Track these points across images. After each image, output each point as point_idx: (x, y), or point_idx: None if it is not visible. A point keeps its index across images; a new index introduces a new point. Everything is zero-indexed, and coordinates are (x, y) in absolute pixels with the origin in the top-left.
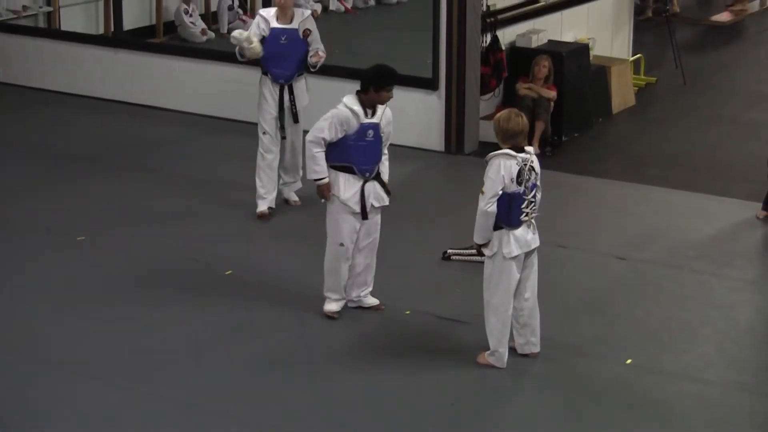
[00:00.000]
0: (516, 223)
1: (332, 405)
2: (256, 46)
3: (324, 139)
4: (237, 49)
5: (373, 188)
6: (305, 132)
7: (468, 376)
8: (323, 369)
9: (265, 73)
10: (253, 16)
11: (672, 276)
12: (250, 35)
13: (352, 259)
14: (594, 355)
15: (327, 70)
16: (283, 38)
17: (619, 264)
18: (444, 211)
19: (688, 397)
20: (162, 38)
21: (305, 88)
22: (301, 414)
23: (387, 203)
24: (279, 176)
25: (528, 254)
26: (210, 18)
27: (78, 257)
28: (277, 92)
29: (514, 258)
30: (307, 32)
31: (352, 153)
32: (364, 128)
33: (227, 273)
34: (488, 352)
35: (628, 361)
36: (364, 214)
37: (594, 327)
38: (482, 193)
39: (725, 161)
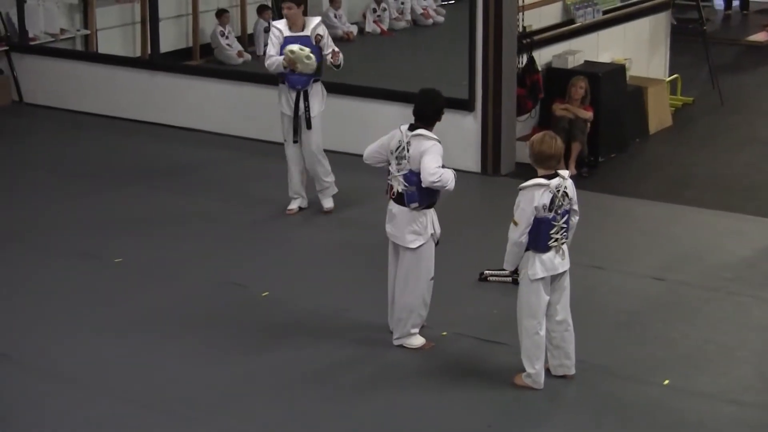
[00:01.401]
0: (543, 248)
1: (368, 427)
2: (313, 62)
3: None
4: (285, 60)
5: None
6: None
7: (504, 397)
8: (358, 391)
9: (282, 81)
10: None
11: (709, 297)
12: (309, 52)
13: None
14: (630, 377)
15: (362, 92)
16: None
17: (656, 285)
18: (481, 232)
19: (725, 419)
20: (198, 61)
21: (321, 94)
22: None
23: None
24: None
25: (557, 277)
26: (246, 40)
27: (115, 280)
28: (293, 99)
29: (540, 280)
30: (318, 38)
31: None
32: None
33: (264, 294)
34: (524, 373)
35: (666, 381)
36: (437, 241)
37: (630, 349)
38: (515, 223)
39: (762, 182)
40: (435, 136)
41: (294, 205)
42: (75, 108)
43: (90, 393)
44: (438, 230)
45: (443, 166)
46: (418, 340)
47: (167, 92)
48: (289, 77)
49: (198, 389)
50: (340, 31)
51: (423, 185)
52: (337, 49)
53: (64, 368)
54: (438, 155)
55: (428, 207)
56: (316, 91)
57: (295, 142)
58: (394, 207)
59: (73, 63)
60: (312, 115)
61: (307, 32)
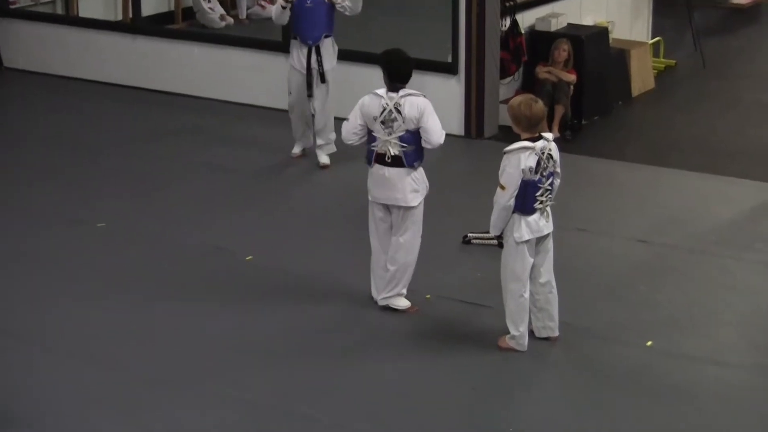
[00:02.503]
0: (530, 211)
1: (355, 390)
2: None
3: None
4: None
5: None
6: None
7: (489, 359)
8: (344, 356)
9: (294, 36)
10: (271, 2)
11: (693, 260)
12: None
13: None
14: (614, 339)
15: (346, 55)
16: (308, 2)
17: (640, 248)
18: (464, 195)
19: (709, 380)
20: (180, 24)
21: (333, 50)
22: (323, 400)
23: None
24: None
25: (541, 239)
26: (228, 4)
27: (100, 245)
28: (305, 54)
29: (526, 242)
30: None
31: None
32: None
33: (248, 259)
34: (509, 335)
35: (649, 343)
36: None
37: (614, 311)
38: (502, 188)
39: (746, 144)
40: (420, 92)
41: (297, 149)
42: (56, 72)
43: (75, 360)
44: (427, 183)
45: None
46: (404, 302)
47: (149, 56)
48: (300, 33)
49: (183, 355)
50: None
51: (431, 146)
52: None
53: (48, 335)
54: (434, 112)
55: (422, 163)
56: (327, 47)
57: (309, 96)
58: (387, 170)
59: (54, 27)
60: (325, 68)
61: None
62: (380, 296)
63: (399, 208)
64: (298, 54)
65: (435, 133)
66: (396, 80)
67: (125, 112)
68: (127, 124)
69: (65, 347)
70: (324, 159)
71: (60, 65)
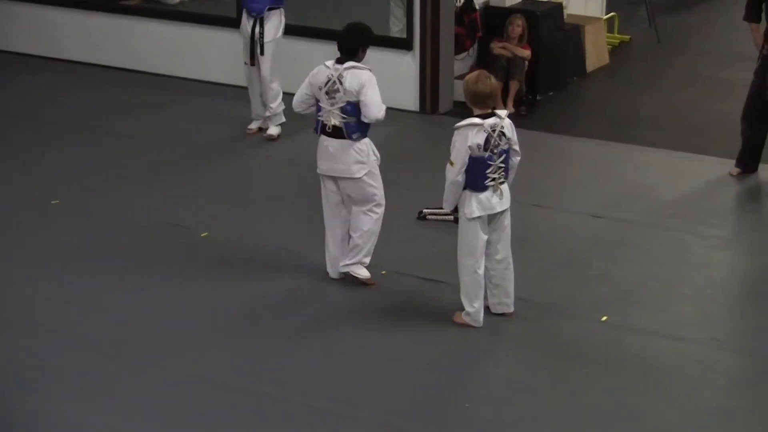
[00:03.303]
0: (480, 187)
1: (309, 367)
2: None
3: None
4: None
5: None
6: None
7: (445, 335)
8: (300, 331)
9: (243, 8)
10: None
11: (649, 235)
12: None
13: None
14: (571, 314)
15: (299, 31)
16: None
17: (596, 223)
18: (419, 171)
19: (665, 354)
20: (136, 0)
21: (279, 22)
22: (279, 376)
23: None
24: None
25: (496, 216)
26: None
27: (54, 222)
28: (251, 24)
29: (477, 219)
30: None
31: None
32: None
33: (203, 235)
34: (464, 311)
35: (604, 318)
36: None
37: (571, 286)
38: (451, 163)
39: (701, 120)
40: (366, 66)
41: (254, 126)
42: (11, 49)
43: (38, 337)
44: (378, 154)
45: None
46: (365, 272)
47: (105, 32)
48: (246, 3)
49: (141, 332)
50: None
51: (368, 121)
52: None
53: (9, 312)
54: (377, 86)
55: (365, 136)
56: (273, 18)
57: (252, 65)
58: (331, 143)
59: (8, 4)
60: (265, 40)
61: None
62: (342, 263)
63: (344, 179)
64: (245, 24)
65: (372, 106)
66: (343, 52)
67: (80, 89)
68: (82, 100)
69: (21, 322)
70: (271, 130)
71: (14, 42)
